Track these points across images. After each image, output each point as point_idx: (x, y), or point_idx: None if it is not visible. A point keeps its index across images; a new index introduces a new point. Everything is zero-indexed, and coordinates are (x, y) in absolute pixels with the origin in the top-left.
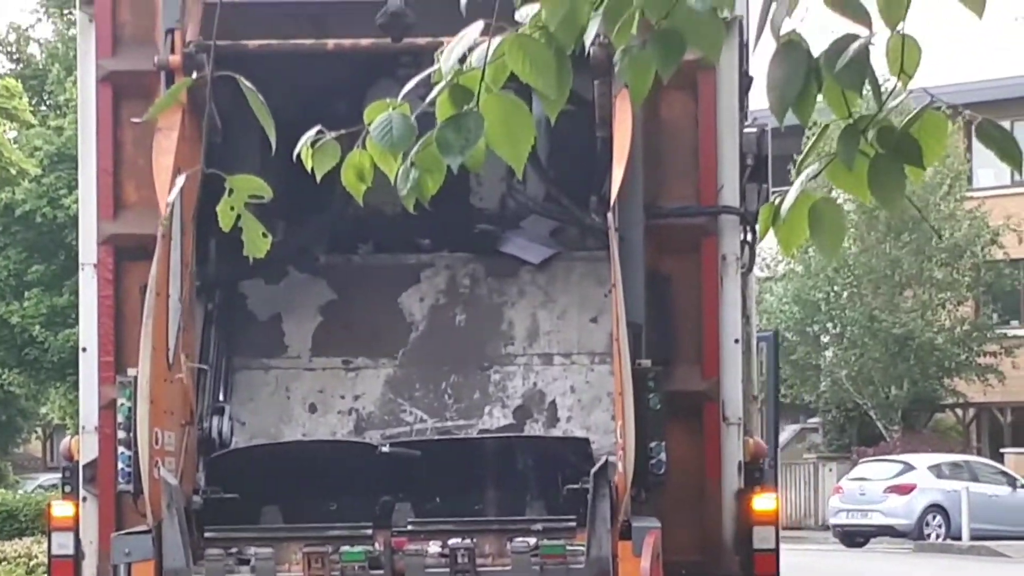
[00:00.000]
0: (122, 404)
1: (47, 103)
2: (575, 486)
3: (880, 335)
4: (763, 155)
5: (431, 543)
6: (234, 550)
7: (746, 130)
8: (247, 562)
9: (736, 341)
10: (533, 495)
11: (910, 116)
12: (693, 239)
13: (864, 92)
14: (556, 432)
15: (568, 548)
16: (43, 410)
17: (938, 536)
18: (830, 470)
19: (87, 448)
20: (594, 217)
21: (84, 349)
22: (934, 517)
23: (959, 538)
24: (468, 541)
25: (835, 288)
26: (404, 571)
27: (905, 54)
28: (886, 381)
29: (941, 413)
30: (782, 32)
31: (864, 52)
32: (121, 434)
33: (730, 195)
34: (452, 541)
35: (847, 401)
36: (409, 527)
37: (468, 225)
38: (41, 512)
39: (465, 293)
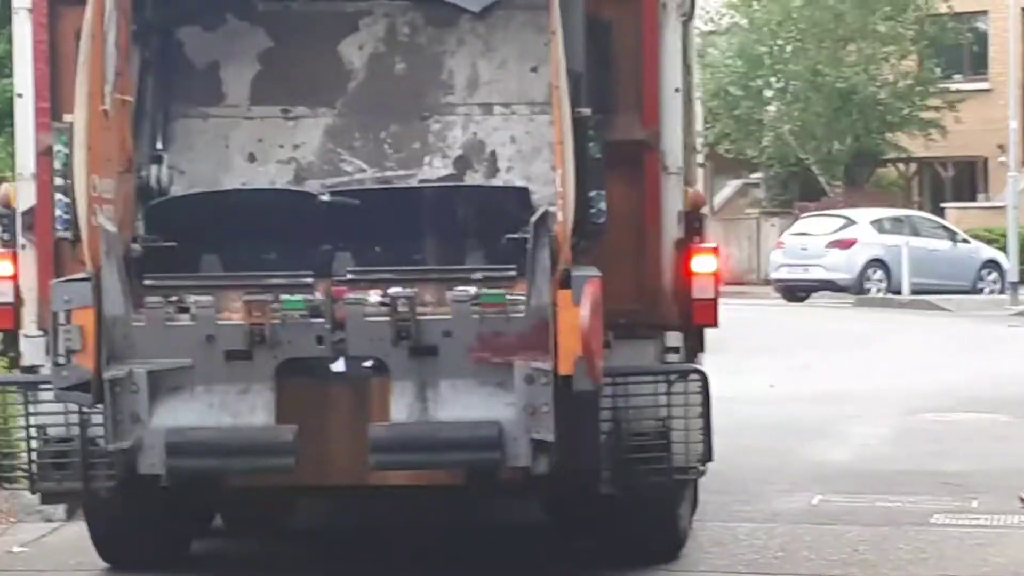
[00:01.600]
0: (59, 151)
1: None
2: (515, 236)
3: (823, 89)
4: None
5: (371, 292)
6: (174, 298)
7: None
8: (187, 310)
9: (676, 90)
10: (473, 245)
11: None
12: None
13: None
14: (496, 182)
15: (508, 297)
16: None
17: (879, 290)
18: (772, 225)
19: (24, 196)
20: None
21: (20, 95)
22: (875, 272)
23: (899, 292)
24: (408, 290)
25: (779, 42)
26: (344, 319)
27: None
28: (829, 136)
29: (883, 168)
30: None
31: None
32: (58, 181)
33: None
34: (392, 290)
35: (790, 156)
36: (349, 276)
37: None
38: None
39: (405, 41)
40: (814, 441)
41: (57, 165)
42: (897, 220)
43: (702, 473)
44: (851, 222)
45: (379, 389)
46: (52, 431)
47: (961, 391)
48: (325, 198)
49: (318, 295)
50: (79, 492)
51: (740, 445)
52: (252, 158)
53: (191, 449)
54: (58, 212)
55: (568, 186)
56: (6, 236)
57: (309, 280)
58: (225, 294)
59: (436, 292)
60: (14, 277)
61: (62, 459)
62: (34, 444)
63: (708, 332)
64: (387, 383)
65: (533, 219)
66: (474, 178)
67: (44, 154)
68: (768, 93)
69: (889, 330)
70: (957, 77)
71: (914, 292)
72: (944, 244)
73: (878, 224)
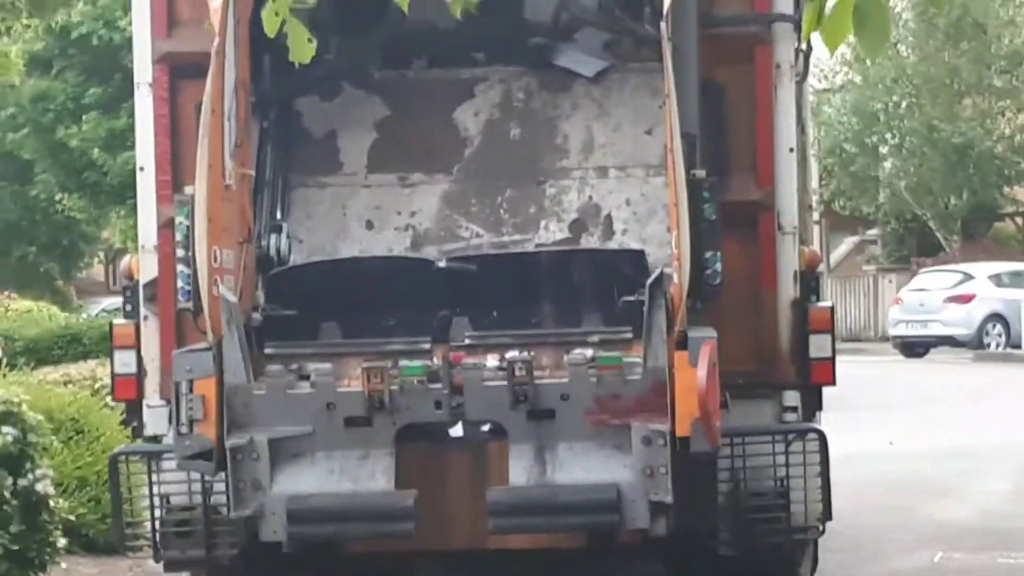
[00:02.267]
0: (180, 223)
1: None
2: (631, 298)
3: (939, 144)
4: None
5: (489, 356)
6: (294, 366)
7: None
8: (307, 377)
9: (791, 150)
10: (589, 308)
11: None
12: (747, 48)
13: None
14: (612, 245)
15: (625, 360)
16: (104, 234)
17: (998, 345)
18: (889, 281)
19: (147, 267)
20: (648, 28)
21: (142, 168)
22: (994, 326)
23: (1019, 346)
24: (525, 354)
25: (894, 98)
26: (462, 384)
27: None
28: (945, 191)
29: (1001, 222)
30: None
31: None
32: (180, 252)
33: (784, 2)
34: (510, 354)
35: (906, 212)
36: (467, 341)
37: (521, 38)
38: (105, 336)
39: (519, 107)
40: (935, 498)
41: (179, 237)
42: (1016, 274)
43: (821, 533)
44: (969, 277)
45: (497, 453)
46: (175, 500)
47: None
48: (442, 264)
49: (436, 360)
50: (202, 560)
51: (860, 503)
52: (370, 225)
53: (312, 516)
54: (180, 283)
55: (684, 248)
56: (128, 307)
57: (427, 346)
58: (344, 361)
59: (553, 355)
60: (136, 347)
61: (185, 527)
62: (158, 513)
63: (826, 390)
64: (505, 447)
65: (649, 281)
66: (590, 241)
67: (165, 226)
68: (883, 149)
69: (1009, 385)
70: None
71: None
72: None
73: (996, 278)
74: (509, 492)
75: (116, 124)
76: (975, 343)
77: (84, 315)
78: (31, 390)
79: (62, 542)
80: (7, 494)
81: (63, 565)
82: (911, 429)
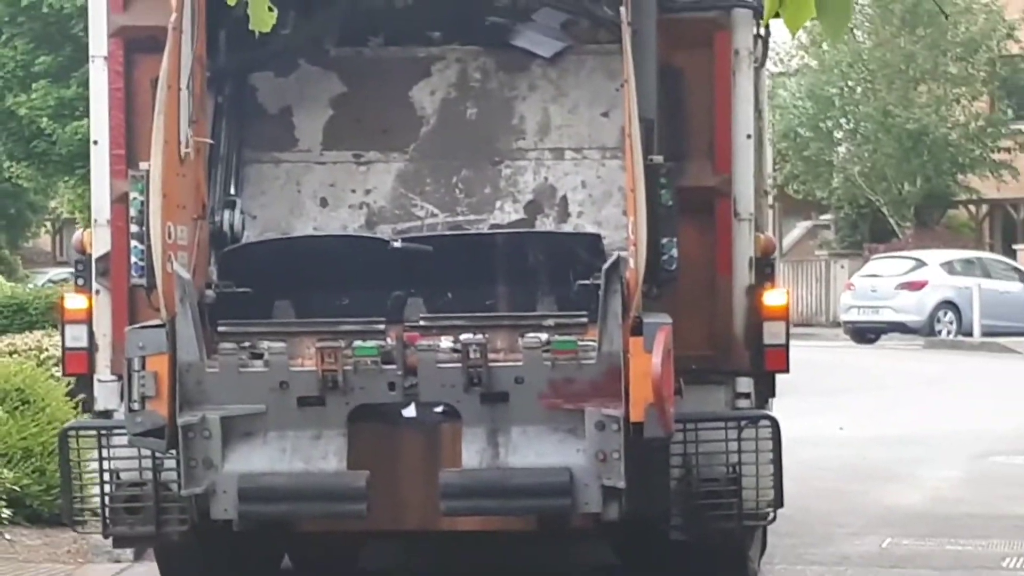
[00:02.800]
0: (134, 198)
1: None
2: (586, 282)
3: (894, 131)
4: None
5: (443, 338)
6: (247, 344)
7: None
8: (260, 356)
9: (748, 136)
10: (544, 291)
11: None
12: (706, 33)
13: None
14: (567, 227)
15: (579, 344)
16: (52, 204)
17: (949, 332)
18: (842, 267)
19: (100, 242)
20: (606, 10)
21: (95, 142)
22: (945, 313)
23: (970, 334)
24: (480, 336)
25: (849, 83)
26: (416, 365)
27: None
28: (899, 177)
29: (954, 209)
30: None
31: None
32: (134, 228)
33: None
34: (464, 336)
35: (859, 198)
36: (421, 322)
37: (479, 17)
38: (51, 306)
39: (476, 87)
40: (884, 483)
41: (133, 212)
42: (968, 262)
43: (772, 519)
44: (921, 264)
45: (450, 435)
46: (125, 476)
47: None
48: (397, 244)
49: (390, 341)
50: (151, 537)
51: (809, 488)
52: (324, 203)
53: (263, 495)
54: (133, 259)
55: (640, 233)
56: (80, 281)
57: (381, 326)
58: (298, 340)
59: (508, 338)
60: (88, 322)
61: (135, 503)
62: (107, 488)
63: (778, 375)
64: (458, 429)
65: (605, 266)
66: (545, 223)
67: (119, 201)
68: (838, 134)
69: (959, 372)
70: None
71: (985, 334)
72: (1015, 286)
73: (948, 266)
74: (462, 475)
75: (66, 93)
76: (926, 330)
77: (30, 285)
78: None
79: (6, 513)
80: None
81: (7, 536)
82: (861, 415)
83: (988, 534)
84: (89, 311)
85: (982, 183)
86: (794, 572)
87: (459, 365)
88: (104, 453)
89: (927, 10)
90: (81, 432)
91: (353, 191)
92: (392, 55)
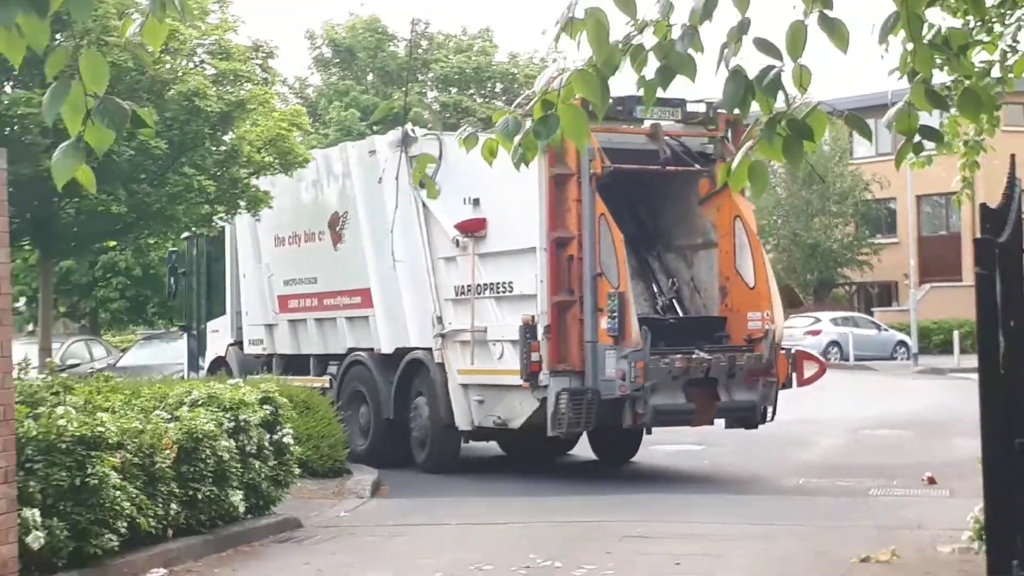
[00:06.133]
0: None
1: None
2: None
3: (800, 244)
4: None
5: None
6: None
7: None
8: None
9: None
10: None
11: (805, 113)
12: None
13: (778, 99)
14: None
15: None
16: None
17: (835, 359)
18: None
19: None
20: None
21: None
22: (833, 348)
23: (848, 360)
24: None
25: (773, 217)
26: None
27: (803, 76)
28: (804, 271)
29: (837, 288)
30: (731, 65)
31: (778, 75)
32: None
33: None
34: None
35: (780, 283)
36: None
37: None
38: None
39: None
40: (797, 447)
41: None
42: (846, 318)
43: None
44: (818, 320)
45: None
46: None
47: (885, 417)
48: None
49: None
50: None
51: (751, 452)
52: None
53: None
54: None
55: (777, 315)
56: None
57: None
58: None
59: (729, 355)
60: None
61: None
62: None
63: None
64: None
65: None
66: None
67: None
68: (767, 247)
69: (841, 382)
70: (879, 235)
71: (856, 360)
72: (873, 332)
73: (834, 321)
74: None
75: None
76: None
77: None
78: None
79: (296, 471)
80: (267, 443)
81: (297, 484)
82: (780, 408)
83: (860, 476)
84: None
85: (852, 273)
86: (748, 496)
87: (725, 364)
88: None
89: (817, 174)
90: None
91: None
92: None
